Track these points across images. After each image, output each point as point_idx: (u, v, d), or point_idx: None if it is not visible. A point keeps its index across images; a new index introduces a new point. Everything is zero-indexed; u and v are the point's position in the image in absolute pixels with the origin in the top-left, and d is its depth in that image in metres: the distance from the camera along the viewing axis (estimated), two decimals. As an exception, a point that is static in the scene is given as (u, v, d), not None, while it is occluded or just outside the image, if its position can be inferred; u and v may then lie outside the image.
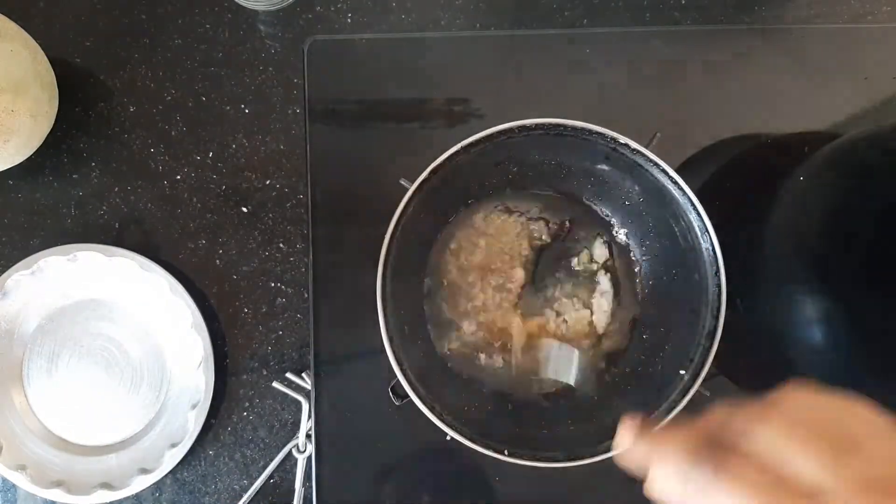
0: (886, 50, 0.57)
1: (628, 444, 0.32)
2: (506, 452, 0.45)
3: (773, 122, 0.56)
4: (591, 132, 0.46)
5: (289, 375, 0.54)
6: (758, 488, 0.26)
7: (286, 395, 0.54)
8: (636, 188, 0.50)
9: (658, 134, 0.47)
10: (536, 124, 0.46)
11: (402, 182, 0.47)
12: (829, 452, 0.26)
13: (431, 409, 0.45)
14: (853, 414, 0.28)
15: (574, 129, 0.46)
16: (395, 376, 0.45)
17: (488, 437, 0.46)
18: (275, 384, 0.54)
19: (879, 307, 0.44)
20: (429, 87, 0.56)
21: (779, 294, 0.51)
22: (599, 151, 0.47)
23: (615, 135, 0.46)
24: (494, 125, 0.46)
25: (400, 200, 0.46)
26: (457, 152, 0.46)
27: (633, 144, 0.45)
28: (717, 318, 0.46)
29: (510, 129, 0.46)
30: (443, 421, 0.45)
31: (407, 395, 0.45)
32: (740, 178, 0.56)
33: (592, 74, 0.57)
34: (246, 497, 0.53)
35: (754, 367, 0.53)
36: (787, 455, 0.26)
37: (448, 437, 0.45)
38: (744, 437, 0.28)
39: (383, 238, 0.45)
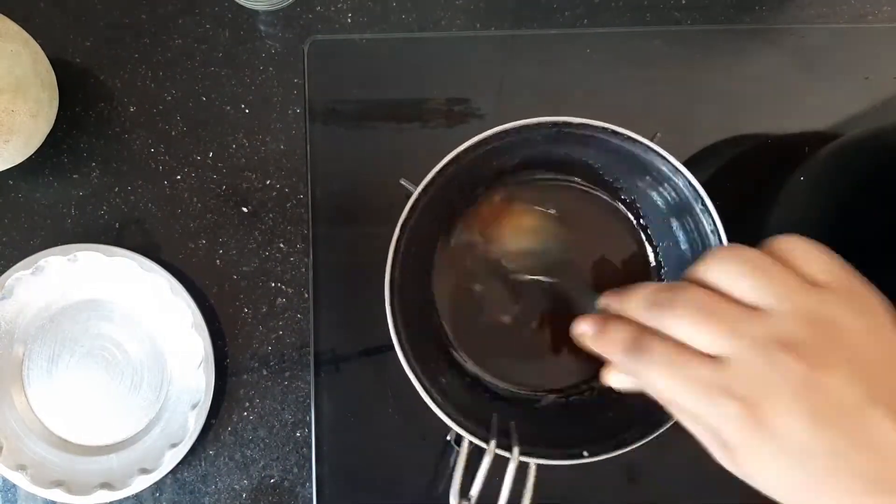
0: (886, 50, 0.57)
1: (583, 331, 0.35)
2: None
3: (773, 122, 0.56)
4: (595, 127, 0.45)
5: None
6: (668, 362, 0.29)
7: (286, 394, 0.54)
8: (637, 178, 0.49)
9: (658, 133, 0.47)
10: (543, 122, 0.45)
11: (403, 182, 0.47)
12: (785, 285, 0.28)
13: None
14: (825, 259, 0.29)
15: (582, 125, 0.45)
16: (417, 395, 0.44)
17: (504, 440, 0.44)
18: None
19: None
20: (429, 87, 0.56)
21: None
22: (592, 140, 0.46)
23: (614, 128, 0.45)
24: (494, 125, 0.46)
25: (400, 200, 0.45)
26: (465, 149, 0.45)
27: (630, 134, 0.45)
28: None
29: (524, 126, 0.45)
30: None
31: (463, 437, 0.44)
32: (740, 178, 0.56)
33: (593, 74, 0.57)
34: None
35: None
36: (737, 280, 0.28)
37: (448, 438, 0.45)
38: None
39: (384, 238, 0.45)
